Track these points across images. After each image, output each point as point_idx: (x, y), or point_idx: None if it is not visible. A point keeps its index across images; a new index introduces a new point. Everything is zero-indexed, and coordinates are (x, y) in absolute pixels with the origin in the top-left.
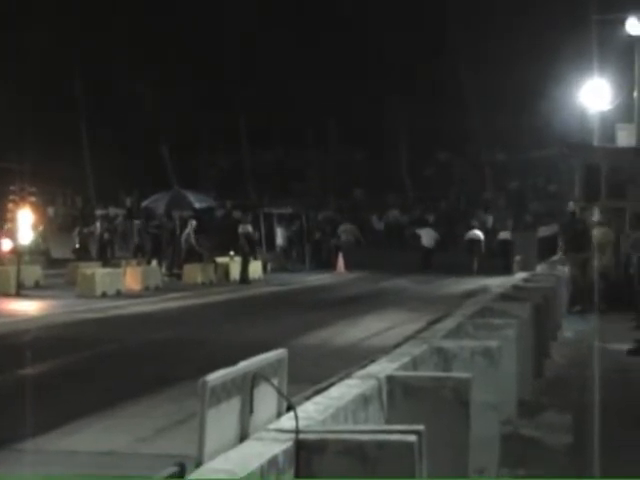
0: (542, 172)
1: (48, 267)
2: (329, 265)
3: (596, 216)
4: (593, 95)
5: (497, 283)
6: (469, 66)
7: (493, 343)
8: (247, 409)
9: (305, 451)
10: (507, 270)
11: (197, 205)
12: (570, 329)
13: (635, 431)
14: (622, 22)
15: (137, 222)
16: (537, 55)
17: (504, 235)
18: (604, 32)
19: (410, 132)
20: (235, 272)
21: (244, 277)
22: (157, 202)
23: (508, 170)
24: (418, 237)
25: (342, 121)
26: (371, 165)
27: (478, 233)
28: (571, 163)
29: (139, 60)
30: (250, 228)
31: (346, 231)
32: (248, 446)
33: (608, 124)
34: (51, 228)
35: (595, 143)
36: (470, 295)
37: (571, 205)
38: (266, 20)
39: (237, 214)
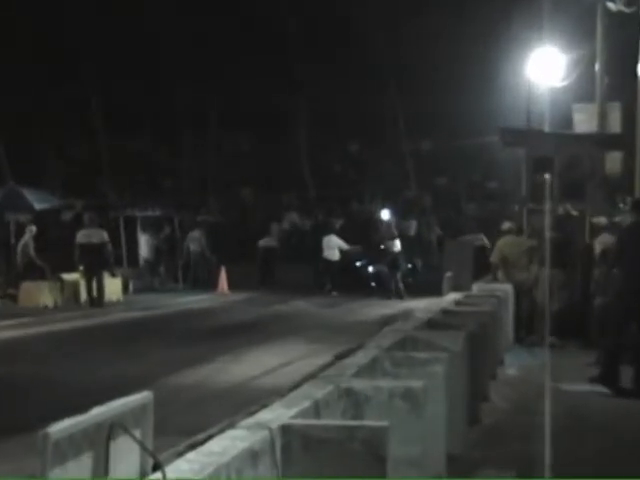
0: (478, 166)
1: None
2: (209, 284)
3: (506, 224)
4: (542, 68)
5: (422, 306)
6: (388, 35)
7: (416, 383)
8: (102, 468)
9: None
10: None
11: (37, 206)
12: (514, 365)
13: None
14: None
15: None
16: (470, 20)
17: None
18: None
19: (313, 118)
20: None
21: (97, 299)
22: None
23: (435, 163)
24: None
25: (228, 105)
26: (264, 159)
27: (396, 243)
28: (515, 155)
29: None
30: (106, 236)
31: (194, 239)
32: None
33: (562, 105)
34: None
35: (545, 129)
36: (388, 322)
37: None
38: None
39: (88, 218)
